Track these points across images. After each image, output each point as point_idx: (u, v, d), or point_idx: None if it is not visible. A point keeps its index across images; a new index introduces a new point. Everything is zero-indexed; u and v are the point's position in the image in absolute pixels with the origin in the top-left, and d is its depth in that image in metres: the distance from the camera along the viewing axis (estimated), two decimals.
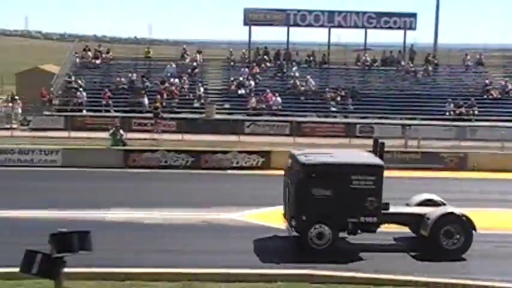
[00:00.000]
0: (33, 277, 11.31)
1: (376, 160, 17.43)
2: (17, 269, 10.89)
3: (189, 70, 44.82)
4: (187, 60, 46.17)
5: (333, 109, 41.71)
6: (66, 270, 10.61)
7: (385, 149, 18.61)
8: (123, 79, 42.98)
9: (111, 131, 30.56)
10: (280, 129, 38.32)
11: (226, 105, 41.69)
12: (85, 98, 40.83)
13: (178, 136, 35.49)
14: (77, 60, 45.51)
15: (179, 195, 23.19)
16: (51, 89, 41.48)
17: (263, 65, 45.84)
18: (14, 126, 37.68)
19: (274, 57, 47.14)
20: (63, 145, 30.44)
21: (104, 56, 46.49)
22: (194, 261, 15.71)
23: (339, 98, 42.26)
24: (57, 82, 42.74)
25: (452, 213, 17.26)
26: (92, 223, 17.32)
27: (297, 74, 44.41)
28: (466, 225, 17.01)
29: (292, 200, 16.92)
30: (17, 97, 40.88)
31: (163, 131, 36.64)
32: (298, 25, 46.68)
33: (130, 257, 16.01)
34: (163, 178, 26.45)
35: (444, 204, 18.24)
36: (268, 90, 41.89)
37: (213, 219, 20.03)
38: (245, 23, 46.56)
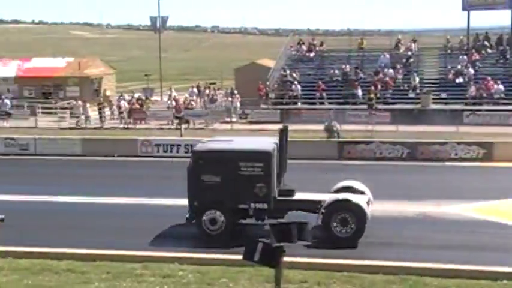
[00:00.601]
0: (254, 265, 11.66)
1: (266, 147, 17.18)
2: (240, 257, 11.29)
3: (404, 60, 43.99)
4: (401, 50, 45.35)
5: None
6: (285, 259, 10.77)
7: None
8: (336, 71, 43.24)
9: (325, 125, 30.82)
10: (503, 119, 36.13)
11: (443, 95, 40.38)
12: (300, 91, 41.71)
13: (393, 127, 34.86)
14: (292, 53, 46.57)
15: (394, 186, 22.67)
16: (267, 83, 42.89)
17: (483, 52, 43.70)
18: (234, 119, 39.44)
19: (496, 43, 44.74)
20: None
21: (317, 48, 47.14)
22: (409, 255, 15.37)
23: None
24: (273, 76, 44.07)
25: (346, 200, 16.63)
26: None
27: None
28: (359, 214, 16.32)
29: (187, 187, 17.09)
30: (235, 91, 42.79)
31: (378, 123, 36.18)
32: None
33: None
34: (378, 170, 26.04)
35: (362, 193, 17.22)
36: (489, 78, 39.87)
37: (431, 212, 19.41)
38: (463, 8, 44.94)
